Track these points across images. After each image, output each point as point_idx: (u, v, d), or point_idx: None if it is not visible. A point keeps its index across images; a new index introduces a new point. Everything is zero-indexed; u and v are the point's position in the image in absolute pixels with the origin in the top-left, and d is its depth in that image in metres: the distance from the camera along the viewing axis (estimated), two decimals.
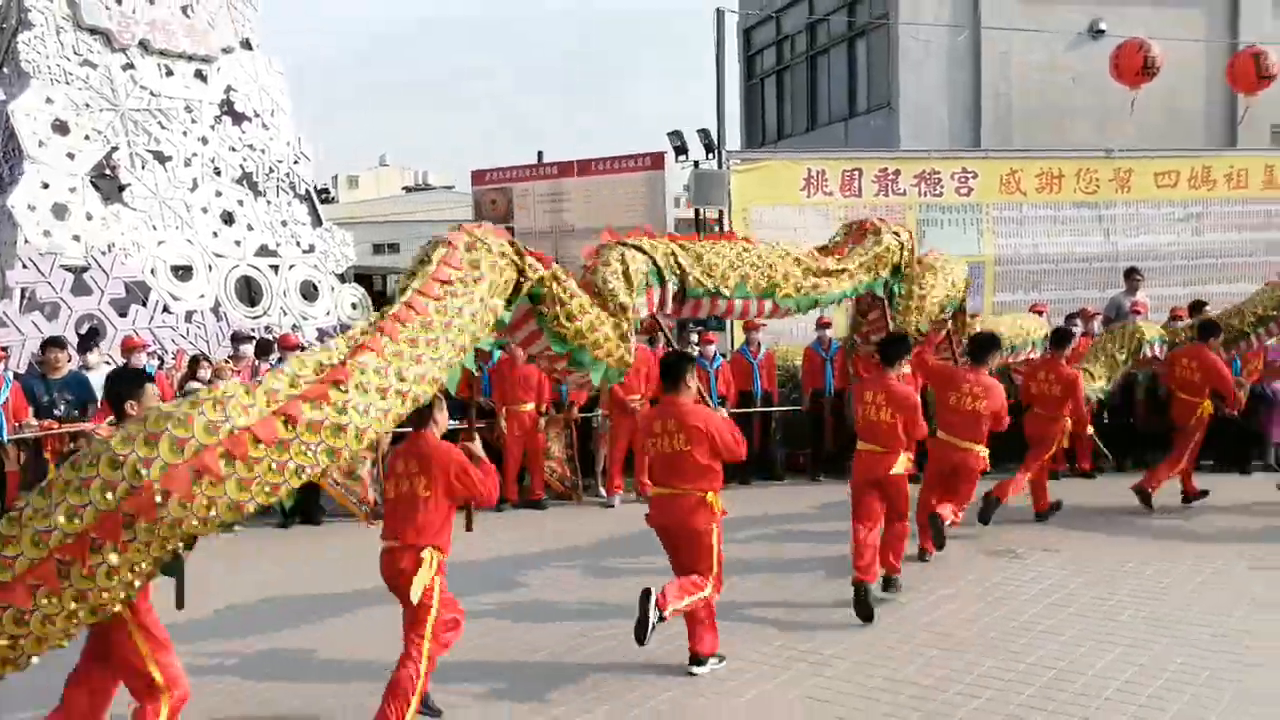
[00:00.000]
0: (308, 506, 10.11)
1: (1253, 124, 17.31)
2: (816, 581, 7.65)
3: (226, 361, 10.83)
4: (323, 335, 13.70)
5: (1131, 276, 12.78)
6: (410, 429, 5.19)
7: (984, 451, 7.83)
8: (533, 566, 8.38)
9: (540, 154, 16.51)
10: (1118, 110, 14.95)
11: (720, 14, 13.48)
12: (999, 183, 13.51)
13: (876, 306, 8.35)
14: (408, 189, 67.04)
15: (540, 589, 7.76)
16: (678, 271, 6.57)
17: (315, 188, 15.53)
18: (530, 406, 10.49)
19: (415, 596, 4.93)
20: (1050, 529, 9.17)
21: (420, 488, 5.06)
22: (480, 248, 5.06)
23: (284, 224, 14.51)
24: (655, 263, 6.43)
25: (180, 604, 4.55)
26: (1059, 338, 9.60)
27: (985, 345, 8.03)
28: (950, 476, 7.90)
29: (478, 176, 16.18)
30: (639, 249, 6.39)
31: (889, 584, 7.28)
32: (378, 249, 52.85)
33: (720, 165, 13.40)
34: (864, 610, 6.59)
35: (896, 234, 8.20)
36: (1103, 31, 16.89)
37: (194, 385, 9.75)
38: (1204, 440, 9.88)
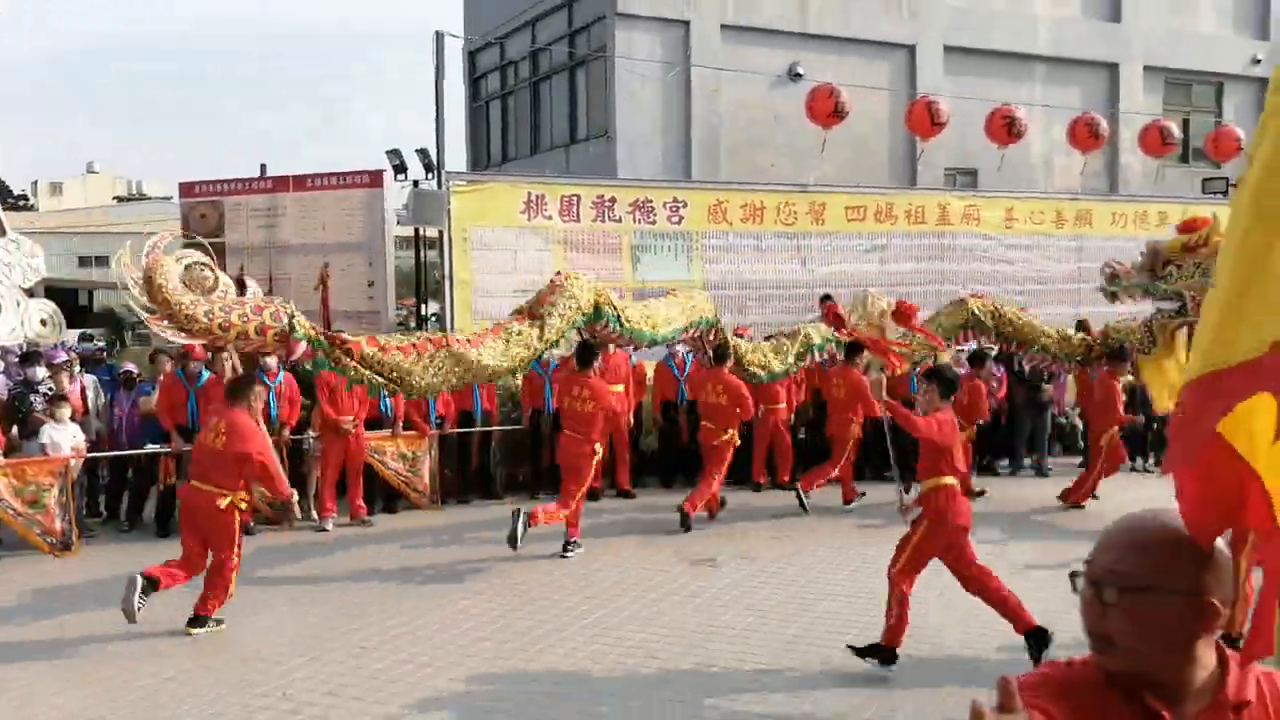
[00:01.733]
0: None
1: (929, 165, 19.16)
2: (520, 594, 7.85)
3: None
4: (4, 354, 12.61)
5: (825, 302, 13.85)
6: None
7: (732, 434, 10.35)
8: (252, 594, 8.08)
9: (263, 166, 15.91)
10: (813, 148, 16.15)
11: (440, 36, 13.52)
12: (707, 212, 14.25)
13: None
14: (119, 199, 62.63)
15: (265, 616, 7.51)
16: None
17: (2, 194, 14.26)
18: None
19: None
20: (750, 537, 9.80)
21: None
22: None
23: None
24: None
25: None
26: (851, 349, 11.09)
27: (722, 354, 10.38)
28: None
29: (186, 189, 15.34)
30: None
31: None
32: (84, 261, 48.76)
33: (440, 186, 13.41)
34: None
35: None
36: (801, 75, 18.21)
37: None
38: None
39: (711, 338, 10.64)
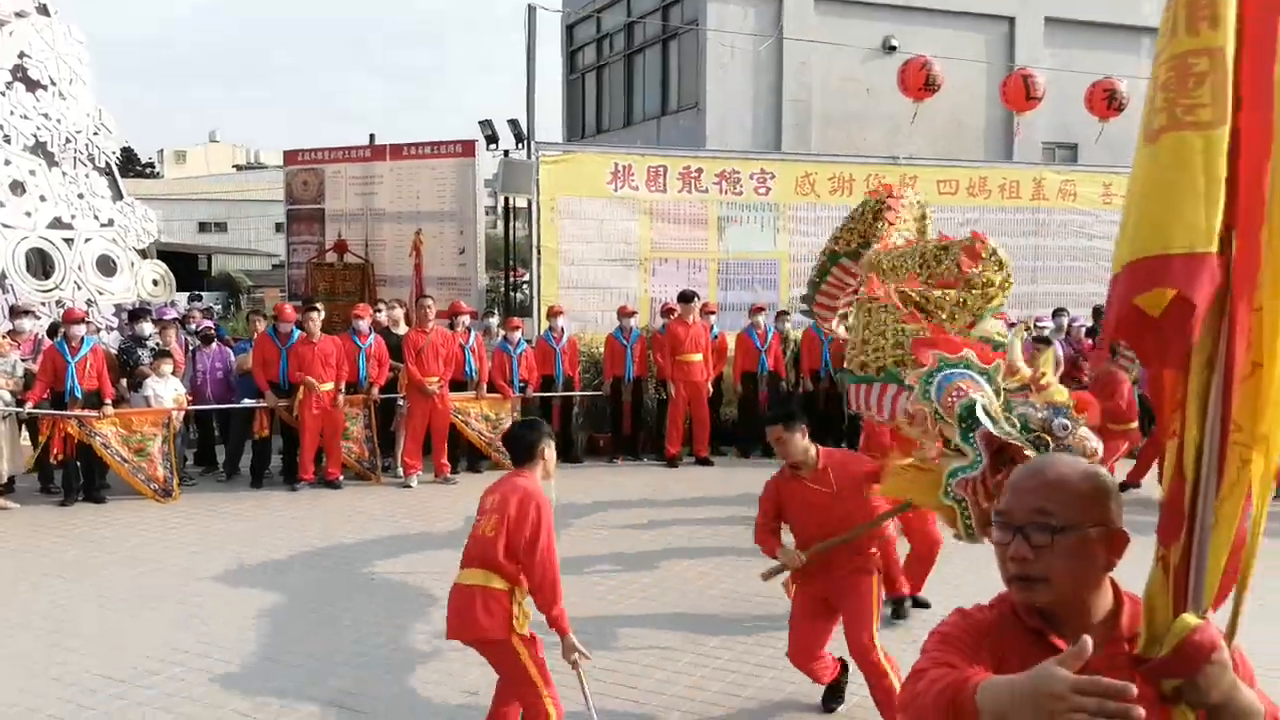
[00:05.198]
0: (90, 483, 9.88)
1: (1027, 140, 18.76)
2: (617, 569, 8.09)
3: (4, 337, 10.38)
4: (119, 310, 13.34)
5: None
6: None
7: None
8: (335, 543, 8.50)
9: (372, 136, 16.43)
10: (906, 120, 15.98)
11: (532, 10, 13.76)
12: (795, 184, 14.24)
13: None
14: (238, 167, 64.37)
15: (344, 565, 7.91)
16: None
17: (126, 160, 15.03)
18: (329, 386, 10.56)
19: None
20: None
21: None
22: None
23: (81, 196, 14.03)
24: None
25: None
26: None
27: None
28: None
29: (290, 156, 15.98)
30: None
31: None
32: (203, 227, 50.26)
33: (529, 156, 13.68)
34: None
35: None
36: (895, 48, 17.98)
37: None
38: None
39: None
